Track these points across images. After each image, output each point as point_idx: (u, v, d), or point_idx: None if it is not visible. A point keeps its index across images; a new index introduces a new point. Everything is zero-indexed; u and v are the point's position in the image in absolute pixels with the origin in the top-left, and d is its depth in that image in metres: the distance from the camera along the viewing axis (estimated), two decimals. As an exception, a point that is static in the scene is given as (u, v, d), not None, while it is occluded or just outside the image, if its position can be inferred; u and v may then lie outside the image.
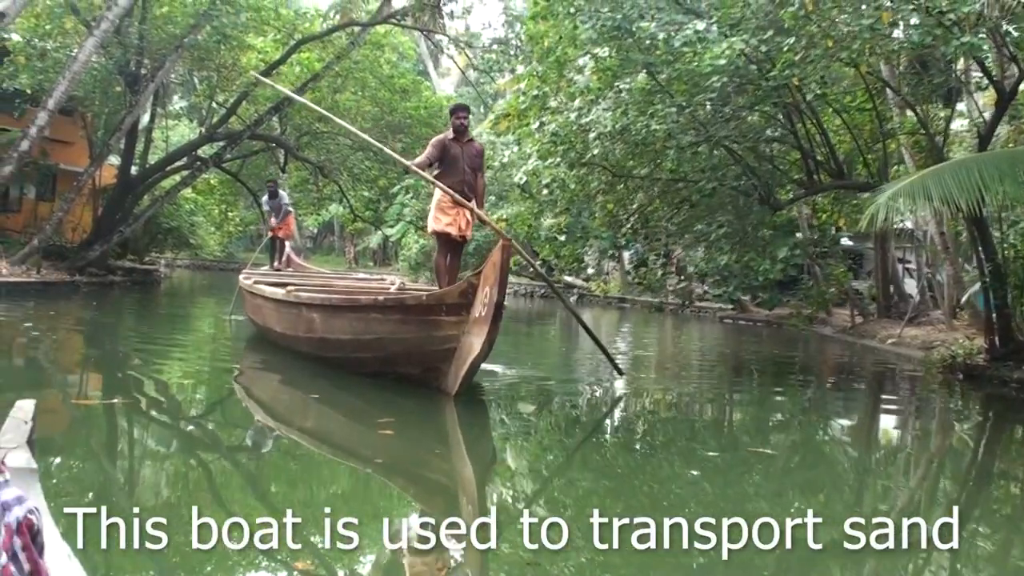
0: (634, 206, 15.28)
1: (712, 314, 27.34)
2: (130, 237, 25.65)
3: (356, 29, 24.17)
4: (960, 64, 15.76)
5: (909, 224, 22.70)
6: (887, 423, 10.77)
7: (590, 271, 35.25)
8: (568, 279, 35.71)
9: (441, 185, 9.95)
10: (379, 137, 24.90)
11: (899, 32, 11.33)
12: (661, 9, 12.85)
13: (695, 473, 6.98)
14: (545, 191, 14.38)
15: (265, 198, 18.52)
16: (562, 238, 14.70)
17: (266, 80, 16.06)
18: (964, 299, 18.43)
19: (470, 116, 10.59)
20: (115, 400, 8.44)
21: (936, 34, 10.63)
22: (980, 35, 10.88)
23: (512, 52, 23.04)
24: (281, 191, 18.05)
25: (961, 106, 17.64)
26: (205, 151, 25.83)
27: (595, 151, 13.41)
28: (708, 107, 13.32)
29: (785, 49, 11.46)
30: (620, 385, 11.40)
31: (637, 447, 8.10)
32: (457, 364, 8.57)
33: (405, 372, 9.15)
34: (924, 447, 9.44)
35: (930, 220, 16.67)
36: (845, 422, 10.57)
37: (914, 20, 10.48)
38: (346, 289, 12.84)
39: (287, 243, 17.74)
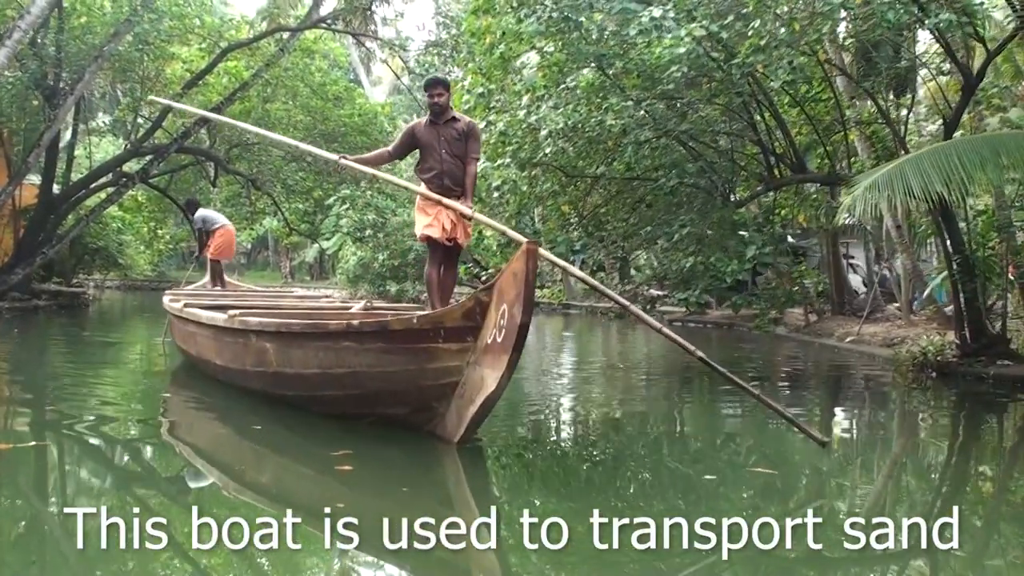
0: (588, 208, 14.40)
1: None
2: (55, 259, 24.44)
3: (285, 36, 23.16)
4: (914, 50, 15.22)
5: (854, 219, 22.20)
6: (876, 428, 9.97)
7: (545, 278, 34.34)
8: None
9: (398, 182, 9.14)
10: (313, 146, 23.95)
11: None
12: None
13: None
14: (496, 194, 13.43)
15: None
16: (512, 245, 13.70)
17: (164, 101, 14.99)
18: (925, 293, 17.86)
19: (446, 94, 8.52)
20: (26, 444, 7.17)
21: (912, 12, 9.91)
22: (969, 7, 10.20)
23: (448, 53, 22.04)
24: (202, 209, 16.36)
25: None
26: (131, 167, 24.64)
27: (547, 150, 12.52)
28: (665, 101, 12.54)
29: (751, 34, 10.68)
30: (566, 403, 10.69)
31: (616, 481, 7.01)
32: (461, 404, 6.71)
33: (389, 413, 7.43)
34: (925, 451, 8.78)
35: (886, 213, 15.99)
36: (840, 431, 9.76)
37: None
38: (303, 311, 10.63)
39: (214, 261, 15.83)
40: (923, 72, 14.32)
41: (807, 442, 7.16)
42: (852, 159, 15.95)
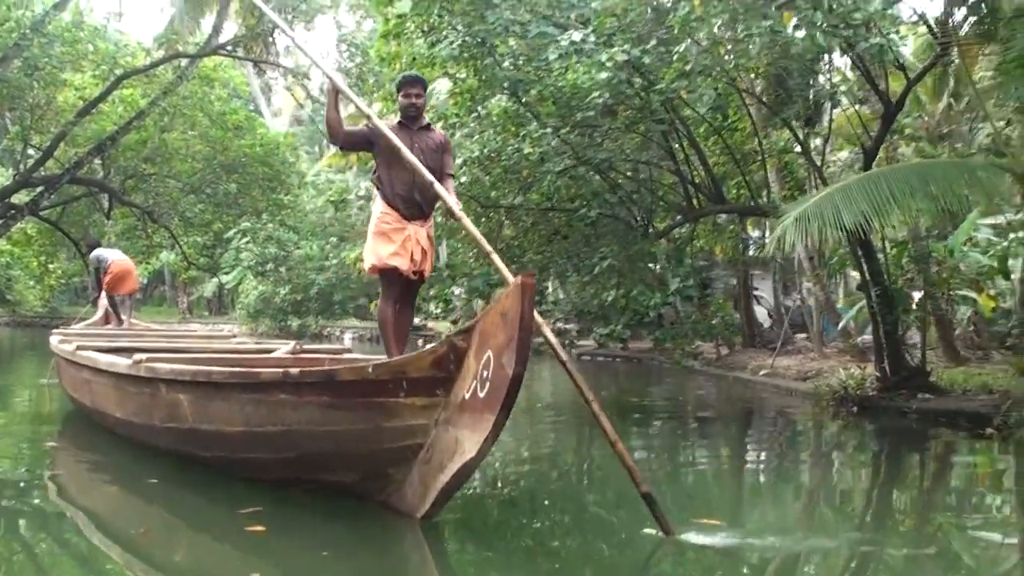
0: (503, 239, 13.83)
1: (569, 350, 26.14)
2: (-63, 295, 23.07)
3: (183, 63, 22.24)
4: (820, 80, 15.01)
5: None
6: (806, 466, 9.52)
7: (458, 314, 33.58)
8: (433, 325, 34.11)
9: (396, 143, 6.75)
10: (212, 178, 23.21)
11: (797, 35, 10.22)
12: (526, 24, 11.45)
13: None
14: (408, 225, 12.78)
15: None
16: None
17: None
18: (840, 325, 17.67)
19: (424, 96, 7.31)
20: None
21: (844, 35, 9.58)
22: (888, 35, 9.93)
23: (353, 81, 21.36)
24: (98, 249, 15.36)
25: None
26: (20, 198, 23.40)
27: (462, 179, 11.94)
28: (582, 128, 12.09)
29: (674, 59, 10.25)
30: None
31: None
32: (427, 471, 5.46)
33: (332, 480, 6.17)
34: (858, 490, 8.29)
35: (802, 244, 15.75)
36: (764, 470, 9.28)
37: (818, 20, 9.33)
38: (219, 355, 8.99)
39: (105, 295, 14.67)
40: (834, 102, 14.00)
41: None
42: (767, 191, 15.68)
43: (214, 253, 29.59)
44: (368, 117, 7.01)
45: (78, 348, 9.39)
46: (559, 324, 20.96)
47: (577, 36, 10.41)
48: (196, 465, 7.13)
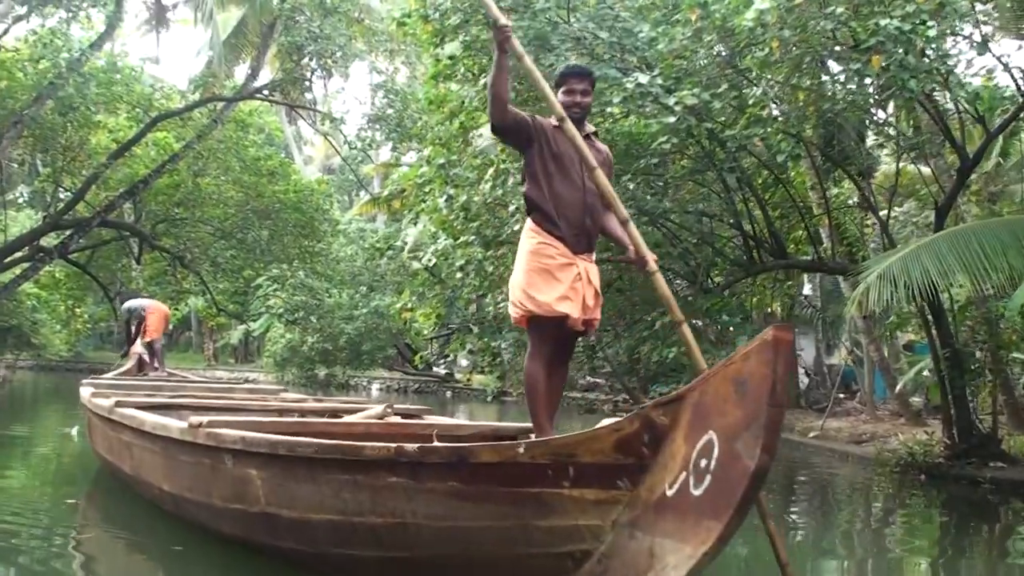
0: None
1: (588, 404, 25.36)
2: (-37, 338, 22.51)
3: (219, 106, 21.74)
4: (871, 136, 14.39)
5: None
6: (881, 538, 8.73)
7: (463, 363, 32.95)
8: (437, 371, 33.50)
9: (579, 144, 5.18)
10: (244, 223, 22.68)
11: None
12: (597, 59, 10.84)
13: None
14: (459, 274, 12.09)
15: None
16: (476, 329, 12.40)
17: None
18: (898, 387, 16.90)
19: (592, 94, 5.75)
20: None
21: (937, 81, 8.94)
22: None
23: (392, 127, 20.86)
24: (130, 301, 14.95)
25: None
26: (49, 241, 22.84)
27: (515, 227, 11.27)
28: (642, 177, 11.43)
29: (750, 102, 9.58)
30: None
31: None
32: None
33: None
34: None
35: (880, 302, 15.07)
36: (841, 543, 8.47)
37: (910, 64, 8.68)
38: (288, 418, 7.66)
39: (142, 343, 13.89)
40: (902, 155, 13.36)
41: None
42: (819, 246, 15.00)
43: (244, 300, 29.08)
44: (561, 118, 5.28)
45: (117, 404, 7.82)
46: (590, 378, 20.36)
47: (644, 79, 9.74)
48: (269, 558, 5.79)
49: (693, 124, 9.82)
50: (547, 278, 5.32)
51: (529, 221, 5.55)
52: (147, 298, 15.07)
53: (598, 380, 25.69)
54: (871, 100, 10.53)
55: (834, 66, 11.24)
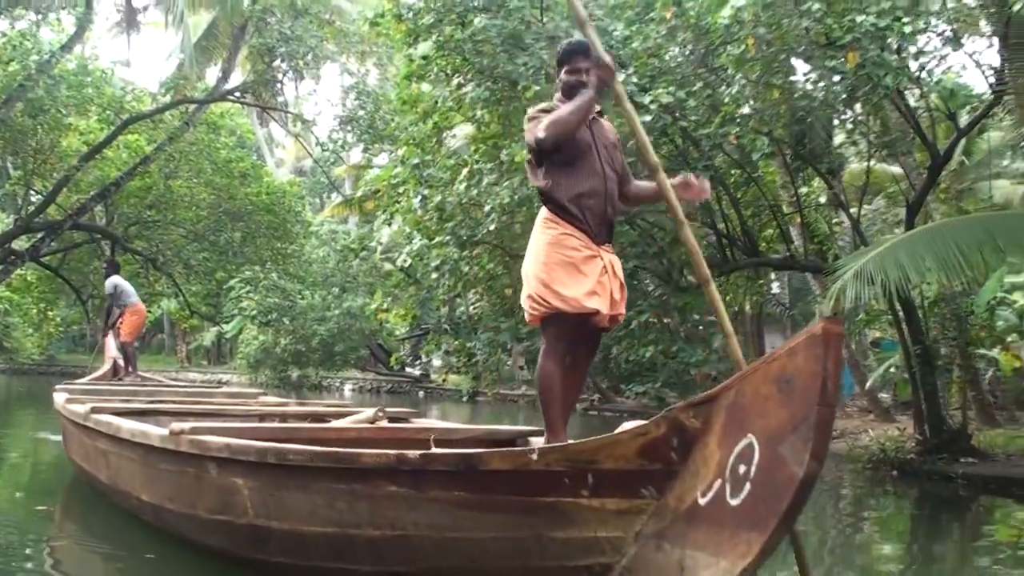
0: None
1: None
2: (-67, 342, 22.09)
3: (190, 108, 21.48)
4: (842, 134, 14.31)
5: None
6: (857, 534, 8.64)
7: (436, 363, 32.66)
8: (410, 371, 33.25)
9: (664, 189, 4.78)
10: (216, 225, 22.43)
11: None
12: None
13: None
14: (434, 274, 11.87)
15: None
16: (450, 330, 12.20)
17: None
18: (868, 384, 16.82)
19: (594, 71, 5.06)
20: None
21: (910, 75, 8.84)
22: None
23: (364, 128, 20.67)
24: (117, 277, 13.63)
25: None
26: (20, 244, 22.45)
27: (492, 226, 11.07)
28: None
29: (726, 100, 9.43)
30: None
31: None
32: None
33: None
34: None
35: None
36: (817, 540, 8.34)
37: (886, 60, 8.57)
38: (274, 423, 7.26)
39: (116, 345, 13.13)
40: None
41: None
42: (791, 244, 14.91)
43: (216, 302, 28.76)
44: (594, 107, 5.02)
45: (93, 411, 7.21)
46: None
47: (619, 77, 9.58)
48: (257, 572, 5.30)
49: (668, 122, 9.68)
50: (572, 271, 4.78)
51: (544, 211, 5.00)
52: (134, 292, 13.83)
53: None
54: (841, 98, 10.40)
55: (803, 66, 11.13)
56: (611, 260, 4.92)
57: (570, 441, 4.22)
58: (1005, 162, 19.93)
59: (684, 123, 10.03)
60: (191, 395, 10.21)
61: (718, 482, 3.30)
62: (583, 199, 4.87)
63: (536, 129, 4.87)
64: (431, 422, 7.27)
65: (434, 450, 4.52)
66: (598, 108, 5.17)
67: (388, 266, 27.02)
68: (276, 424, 7.29)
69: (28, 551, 6.42)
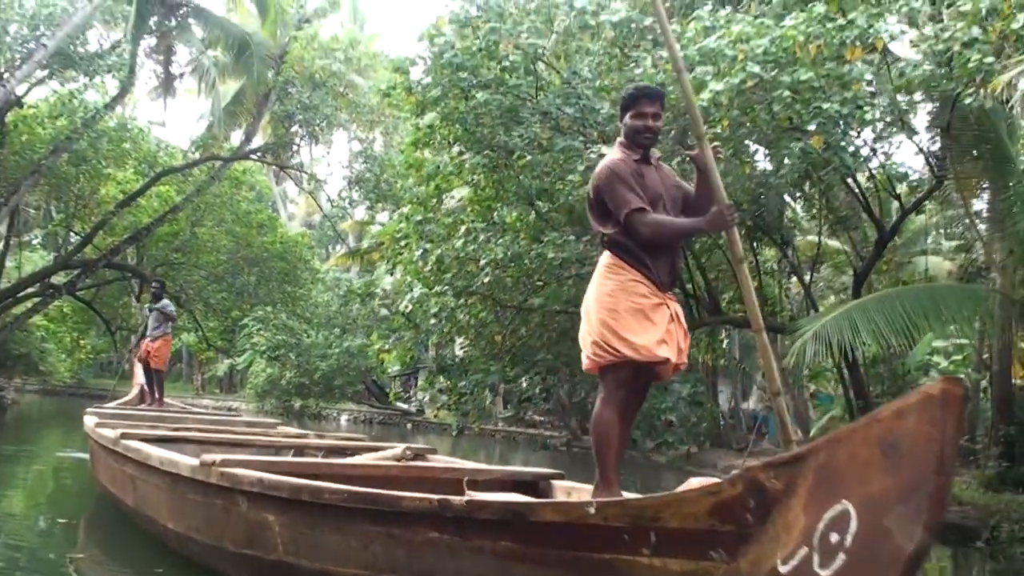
0: (516, 338, 12.58)
1: (544, 440, 24.59)
2: (-23, 363, 21.55)
3: (216, 165, 21.25)
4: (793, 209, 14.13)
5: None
6: None
7: (426, 399, 32.16)
8: (401, 405, 32.70)
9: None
10: (234, 269, 22.16)
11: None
12: (552, 138, 10.43)
13: None
14: (432, 320, 11.54)
15: (148, 306, 13.01)
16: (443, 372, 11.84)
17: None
18: (811, 433, 16.52)
19: (661, 122, 4.56)
20: None
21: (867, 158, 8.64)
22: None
23: (371, 188, 20.49)
24: (165, 298, 12.76)
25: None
26: (58, 279, 22.04)
27: (485, 279, 10.76)
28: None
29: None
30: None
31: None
32: None
33: None
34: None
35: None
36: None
37: (846, 145, 8.35)
38: (301, 459, 6.68)
39: (145, 372, 12.28)
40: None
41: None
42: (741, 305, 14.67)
43: (231, 337, 28.42)
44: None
45: (122, 436, 6.63)
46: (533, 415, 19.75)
47: (607, 150, 9.35)
48: None
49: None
50: (641, 319, 4.16)
51: (608, 256, 4.37)
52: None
53: (539, 418, 25.09)
54: (795, 177, 10.17)
55: (760, 148, 10.90)
56: (676, 308, 4.36)
57: (625, 495, 3.73)
58: (930, 240, 19.82)
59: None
60: (214, 423, 9.59)
61: (803, 550, 2.66)
62: (653, 249, 4.29)
63: (629, 211, 4.22)
64: (452, 460, 6.60)
65: (478, 495, 3.87)
66: (658, 155, 4.65)
67: (384, 311, 26.72)
68: (307, 459, 6.69)
69: (51, 556, 6.05)
